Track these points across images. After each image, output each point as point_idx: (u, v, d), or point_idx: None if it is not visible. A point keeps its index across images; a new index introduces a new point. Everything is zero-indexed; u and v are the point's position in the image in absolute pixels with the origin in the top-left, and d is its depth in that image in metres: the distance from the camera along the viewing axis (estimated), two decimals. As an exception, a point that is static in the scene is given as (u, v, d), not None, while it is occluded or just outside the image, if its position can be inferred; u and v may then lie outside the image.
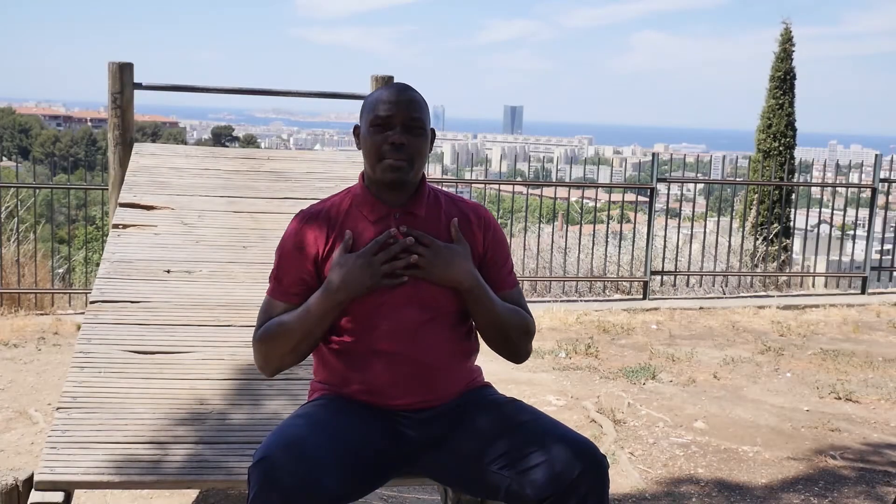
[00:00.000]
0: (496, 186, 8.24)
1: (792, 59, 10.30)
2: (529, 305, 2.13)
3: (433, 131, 2.02)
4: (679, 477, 3.66)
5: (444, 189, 2.17)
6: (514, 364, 2.10)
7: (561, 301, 7.00)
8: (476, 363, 2.08)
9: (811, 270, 9.01)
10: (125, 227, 3.82)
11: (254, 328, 1.99)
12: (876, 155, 8.13)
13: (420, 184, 2.00)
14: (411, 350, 1.91)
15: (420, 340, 1.91)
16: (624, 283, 7.68)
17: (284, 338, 1.91)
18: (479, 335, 2.07)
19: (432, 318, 1.92)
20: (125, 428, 2.45)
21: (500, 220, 6.98)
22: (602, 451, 1.83)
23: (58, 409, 2.54)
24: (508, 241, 2.18)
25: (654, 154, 7.65)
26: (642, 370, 5.12)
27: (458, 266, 1.91)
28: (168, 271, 3.43)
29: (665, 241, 7.90)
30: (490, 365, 2.14)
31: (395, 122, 1.91)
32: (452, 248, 1.92)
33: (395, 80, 5.19)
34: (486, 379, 2.11)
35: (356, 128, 2.02)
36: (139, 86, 4.95)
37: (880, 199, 8.14)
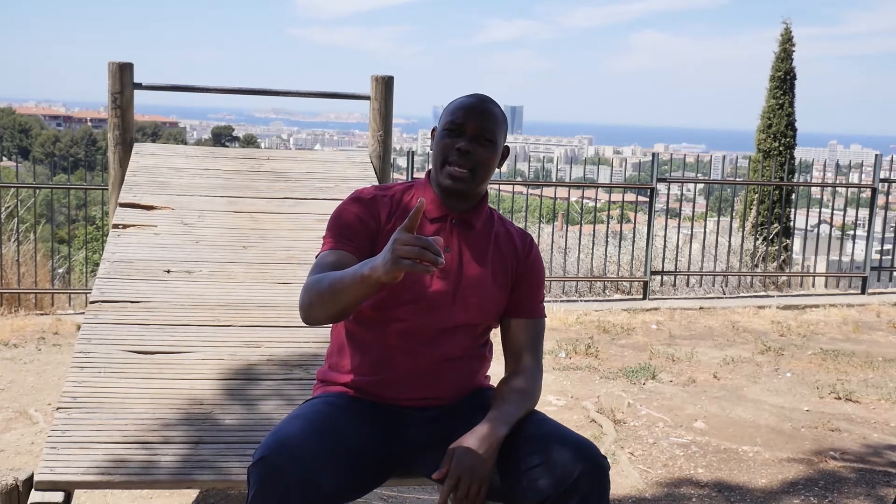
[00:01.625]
0: (496, 186, 8.24)
1: (792, 59, 10.30)
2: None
3: (507, 149, 2.02)
4: (679, 477, 3.66)
5: (498, 211, 2.18)
6: None
7: (561, 301, 7.00)
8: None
9: (811, 270, 9.01)
10: (125, 227, 3.82)
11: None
12: (876, 155, 8.13)
13: (482, 199, 2.02)
14: (427, 350, 1.93)
15: (439, 345, 1.93)
16: (624, 283, 7.68)
17: (326, 290, 1.77)
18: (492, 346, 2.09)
19: (458, 324, 1.94)
20: (125, 428, 2.45)
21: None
22: (602, 451, 1.83)
23: (58, 409, 2.54)
24: None
25: (653, 154, 7.64)
26: (642, 370, 5.12)
27: (483, 461, 1.76)
28: (168, 271, 3.43)
29: (665, 241, 7.89)
30: (491, 366, 2.15)
31: (467, 129, 1.93)
32: (472, 475, 1.76)
33: (395, 81, 5.20)
34: (492, 381, 2.12)
35: (434, 129, 2.03)
36: (139, 86, 4.95)
37: (880, 199, 8.14)
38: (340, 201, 2.03)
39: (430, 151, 2.01)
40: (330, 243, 1.93)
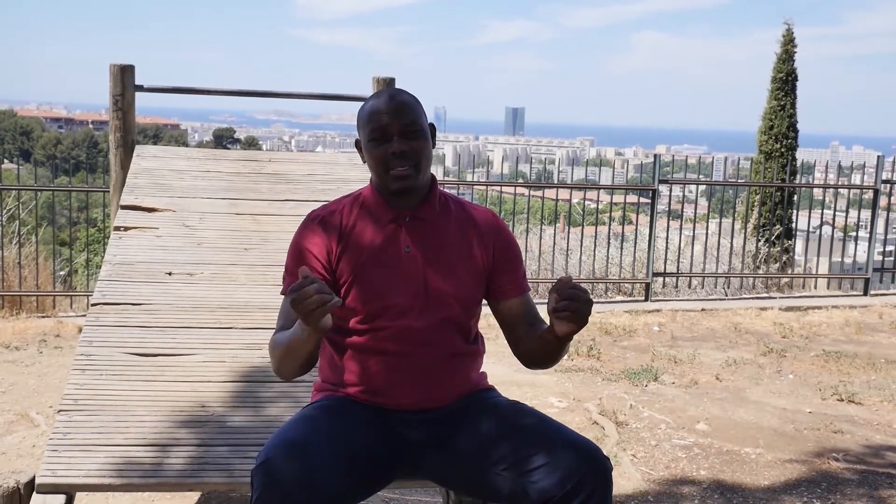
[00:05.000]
0: (498, 188, 8.24)
1: (794, 60, 10.30)
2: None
3: (433, 127, 2.02)
4: (681, 479, 3.66)
5: (455, 195, 2.17)
6: (516, 366, 2.12)
7: (563, 303, 6.99)
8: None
9: (813, 272, 9.00)
10: (126, 229, 3.82)
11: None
12: (878, 156, 8.12)
13: (431, 188, 2.01)
14: (417, 351, 1.92)
15: (426, 343, 1.92)
16: (626, 284, 7.67)
17: (280, 353, 1.87)
18: (483, 338, 2.08)
19: (440, 321, 1.94)
20: (126, 430, 2.45)
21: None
22: (604, 452, 1.83)
23: (59, 411, 2.54)
24: None
25: (655, 156, 7.64)
26: (644, 372, 5.12)
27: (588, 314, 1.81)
28: (169, 273, 3.43)
29: (667, 242, 7.89)
30: (492, 367, 2.15)
31: (392, 131, 1.91)
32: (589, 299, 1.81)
33: (396, 82, 5.19)
34: (489, 381, 2.12)
35: (357, 142, 2.02)
36: (140, 88, 4.95)
37: (882, 201, 8.13)
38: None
39: (366, 163, 1.98)
40: (288, 283, 1.96)
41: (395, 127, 1.91)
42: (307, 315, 1.65)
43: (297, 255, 1.98)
